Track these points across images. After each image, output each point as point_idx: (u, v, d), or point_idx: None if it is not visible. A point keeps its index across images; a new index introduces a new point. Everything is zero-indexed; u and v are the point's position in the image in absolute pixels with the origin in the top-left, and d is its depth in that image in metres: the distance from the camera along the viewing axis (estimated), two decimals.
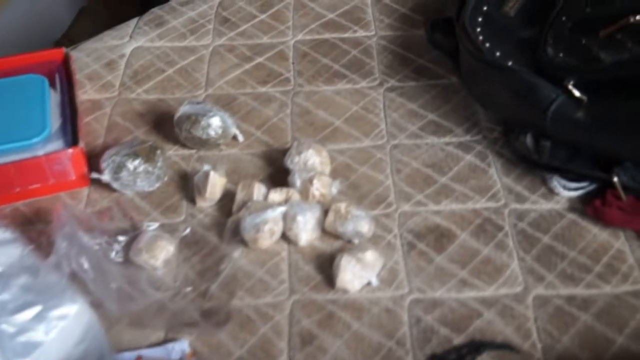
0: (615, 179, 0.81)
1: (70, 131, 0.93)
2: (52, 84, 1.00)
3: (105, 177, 0.89)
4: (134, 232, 0.85)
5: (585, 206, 0.83)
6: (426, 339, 0.73)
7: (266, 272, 0.81)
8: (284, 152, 0.91)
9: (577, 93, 0.81)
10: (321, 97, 1.02)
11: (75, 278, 0.75)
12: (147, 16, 1.19)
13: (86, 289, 0.74)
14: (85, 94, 1.05)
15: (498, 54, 0.90)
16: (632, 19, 0.80)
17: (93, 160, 0.92)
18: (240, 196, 0.86)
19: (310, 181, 0.86)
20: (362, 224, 0.82)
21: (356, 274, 0.78)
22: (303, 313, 0.77)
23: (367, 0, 1.19)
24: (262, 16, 1.18)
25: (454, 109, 0.98)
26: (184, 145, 0.96)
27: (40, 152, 0.89)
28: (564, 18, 0.87)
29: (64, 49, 1.05)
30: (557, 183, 0.85)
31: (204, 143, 0.94)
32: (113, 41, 1.15)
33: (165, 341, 0.75)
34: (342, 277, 0.78)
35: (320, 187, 0.86)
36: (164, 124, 0.99)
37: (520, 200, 0.86)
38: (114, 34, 1.16)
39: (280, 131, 0.98)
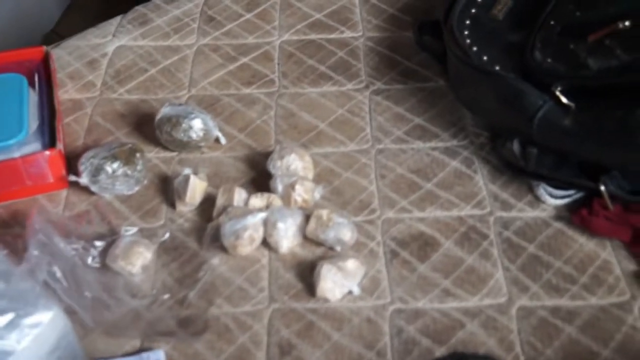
0: (603, 188, 0.79)
1: (49, 132, 0.91)
2: (32, 83, 0.97)
3: (83, 180, 0.87)
4: (111, 237, 0.83)
5: (572, 215, 0.82)
6: (407, 351, 0.72)
7: (245, 279, 0.79)
8: (267, 155, 0.89)
9: (564, 100, 0.80)
10: (306, 100, 1.00)
11: (48, 287, 0.73)
12: (131, 14, 1.17)
13: (59, 298, 0.73)
14: (66, 94, 1.03)
15: (485, 58, 0.88)
16: (621, 25, 0.78)
17: (73, 161, 0.91)
18: (220, 201, 0.85)
19: (292, 186, 0.84)
20: (344, 231, 0.80)
21: (337, 283, 0.76)
22: (282, 322, 0.75)
23: (355, 0, 1.17)
24: (248, 15, 1.16)
25: (441, 113, 0.96)
26: (165, 148, 0.94)
27: (17, 154, 0.87)
28: (552, 22, 0.85)
29: (44, 48, 1.03)
30: (543, 191, 0.84)
31: (185, 145, 0.92)
32: (96, 39, 1.12)
33: (140, 350, 0.74)
34: (322, 286, 0.76)
35: (303, 193, 0.84)
36: (146, 125, 0.97)
37: (506, 208, 0.84)
38: (97, 32, 1.14)
39: (264, 134, 0.96)
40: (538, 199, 0.85)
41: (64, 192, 0.90)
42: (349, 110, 0.98)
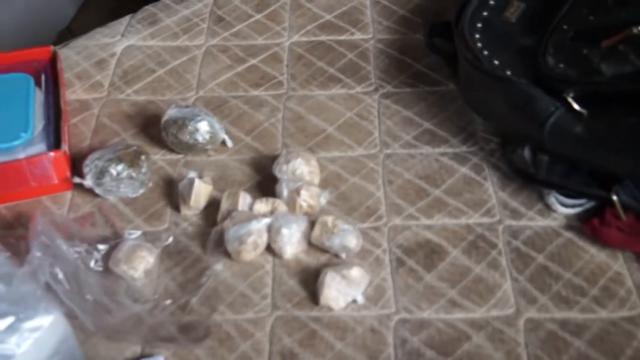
0: (615, 198, 0.77)
1: (54, 133, 0.91)
2: (39, 83, 0.97)
3: (88, 182, 0.86)
4: (115, 240, 0.82)
5: (583, 225, 0.80)
6: None
7: (249, 285, 0.78)
8: (274, 159, 0.88)
9: (576, 106, 0.78)
10: (314, 102, 0.99)
11: (50, 289, 0.73)
12: (141, 14, 1.16)
13: (60, 301, 0.72)
14: (73, 94, 1.03)
15: (496, 62, 0.87)
16: (635, 30, 0.76)
17: (79, 162, 0.90)
18: (225, 205, 0.84)
19: (297, 192, 0.83)
20: (349, 238, 0.79)
21: (341, 291, 0.75)
22: (284, 331, 0.74)
23: (366, 1, 1.15)
24: (258, 16, 1.14)
25: (451, 118, 0.95)
26: (171, 150, 0.93)
27: (21, 155, 0.86)
28: (565, 26, 0.84)
29: (51, 47, 1.02)
30: (554, 199, 0.82)
31: (191, 148, 0.91)
32: (104, 39, 1.12)
33: (141, 356, 0.73)
34: (326, 294, 0.75)
35: (308, 198, 0.83)
36: (152, 127, 0.96)
37: (515, 216, 0.83)
38: (106, 32, 1.13)
39: (271, 137, 0.94)
40: (549, 208, 0.83)
41: (68, 194, 0.89)
42: (357, 113, 0.97)
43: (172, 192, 0.88)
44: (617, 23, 0.79)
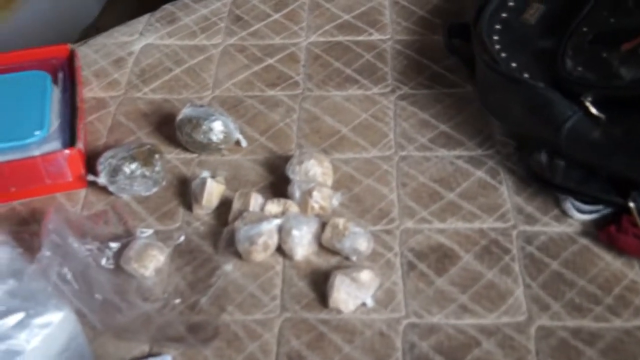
0: (632, 205, 0.75)
1: (70, 131, 0.91)
2: (56, 81, 0.98)
3: (101, 180, 0.86)
4: (126, 239, 0.82)
5: (599, 231, 0.78)
6: None
7: (258, 286, 0.78)
8: (287, 159, 0.87)
9: (594, 111, 0.76)
10: (330, 103, 0.98)
11: (58, 289, 0.73)
12: (159, 12, 1.16)
13: (69, 300, 0.72)
14: (91, 92, 1.03)
15: (514, 65, 0.85)
16: None
17: (94, 160, 0.90)
18: (236, 205, 0.83)
19: (309, 193, 0.82)
20: (360, 241, 0.78)
21: (350, 294, 0.74)
22: (293, 333, 0.73)
23: (385, 1, 1.14)
24: (276, 15, 1.14)
25: (467, 120, 0.93)
26: (185, 149, 0.93)
27: (37, 152, 0.87)
28: (585, 29, 0.82)
29: (69, 45, 1.03)
30: (570, 205, 0.80)
31: (205, 147, 0.91)
32: (123, 37, 1.12)
33: (149, 355, 0.73)
34: (335, 297, 0.74)
35: (320, 200, 0.82)
36: (167, 126, 0.96)
37: (530, 221, 0.81)
38: (124, 30, 1.14)
39: (285, 137, 0.94)
40: (565, 214, 0.81)
41: (82, 192, 0.89)
42: (373, 115, 0.96)
43: (185, 191, 0.88)
44: (637, 26, 0.77)
